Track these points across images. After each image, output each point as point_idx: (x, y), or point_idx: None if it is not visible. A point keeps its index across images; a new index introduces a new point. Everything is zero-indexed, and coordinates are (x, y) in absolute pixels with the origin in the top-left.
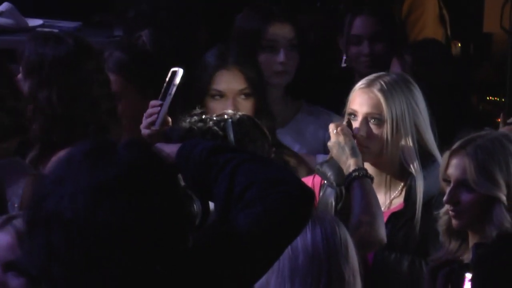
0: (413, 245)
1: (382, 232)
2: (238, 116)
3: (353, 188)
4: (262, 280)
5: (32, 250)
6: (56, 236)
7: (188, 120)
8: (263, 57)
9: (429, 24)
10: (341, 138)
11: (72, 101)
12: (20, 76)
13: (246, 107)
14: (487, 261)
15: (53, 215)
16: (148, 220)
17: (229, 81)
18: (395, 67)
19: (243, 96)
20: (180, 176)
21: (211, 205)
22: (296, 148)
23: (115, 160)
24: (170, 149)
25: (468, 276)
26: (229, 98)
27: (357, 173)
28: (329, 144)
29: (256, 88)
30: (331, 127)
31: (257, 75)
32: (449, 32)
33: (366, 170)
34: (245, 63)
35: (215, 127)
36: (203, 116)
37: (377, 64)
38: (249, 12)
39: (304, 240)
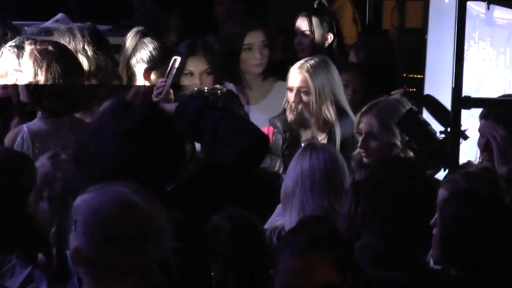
0: None
1: None
2: (224, 90)
3: None
4: (289, 190)
5: (79, 177)
6: (96, 168)
7: (188, 92)
8: (244, 55)
9: (347, 24)
10: (304, 114)
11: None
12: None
13: (208, 81)
14: (369, 178)
15: (94, 154)
16: (158, 154)
17: (196, 64)
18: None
19: (206, 74)
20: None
21: (197, 146)
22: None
23: (133, 115)
24: (170, 106)
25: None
26: (197, 76)
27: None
28: (292, 118)
29: (215, 68)
30: (293, 106)
31: (215, 58)
32: (359, 29)
33: (317, 139)
34: (207, 51)
35: (210, 97)
36: (196, 89)
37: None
38: (233, 23)
39: (319, 161)
